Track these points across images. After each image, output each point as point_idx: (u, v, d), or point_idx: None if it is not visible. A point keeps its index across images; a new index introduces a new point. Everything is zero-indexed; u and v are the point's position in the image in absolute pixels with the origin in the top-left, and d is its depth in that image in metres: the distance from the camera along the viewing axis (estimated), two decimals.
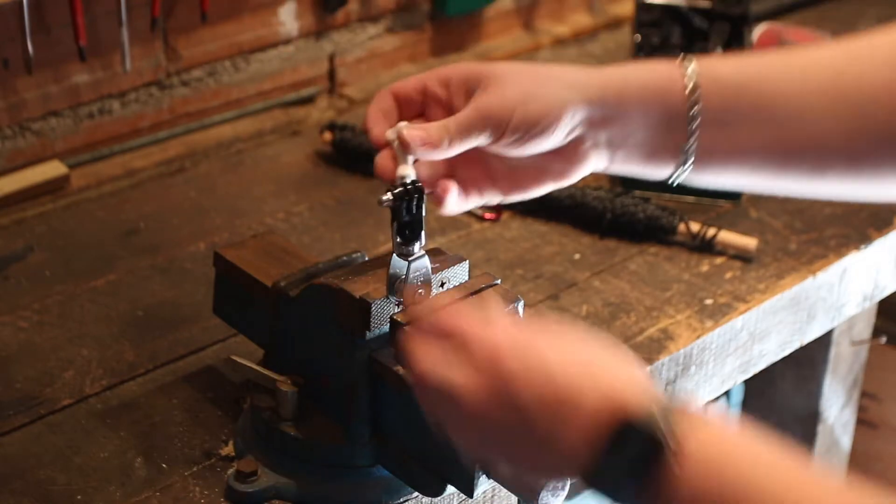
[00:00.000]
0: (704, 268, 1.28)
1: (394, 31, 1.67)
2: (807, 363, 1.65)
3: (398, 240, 0.91)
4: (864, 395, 1.80)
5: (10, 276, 1.24)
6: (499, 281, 0.95)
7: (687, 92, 0.92)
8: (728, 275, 1.27)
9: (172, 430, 1.04)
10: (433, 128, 0.91)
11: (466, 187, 0.96)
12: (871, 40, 0.94)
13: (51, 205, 1.36)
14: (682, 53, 0.95)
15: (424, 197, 0.91)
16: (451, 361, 0.81)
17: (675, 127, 0.93)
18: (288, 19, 1.56)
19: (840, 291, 1.32)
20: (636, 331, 1.18)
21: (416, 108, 0.96)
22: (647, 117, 0.93)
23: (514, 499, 0.93)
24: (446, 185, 0.94)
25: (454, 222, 1.34)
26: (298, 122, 1.56)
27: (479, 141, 0.92)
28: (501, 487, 0.90)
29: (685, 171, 0.95)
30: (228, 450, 1.02)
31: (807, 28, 1.74)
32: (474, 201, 0.96)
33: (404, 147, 0.91)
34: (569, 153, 0.94)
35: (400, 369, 0.91)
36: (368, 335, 0.92)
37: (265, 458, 0.98)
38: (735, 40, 1.62)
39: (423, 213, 0.91)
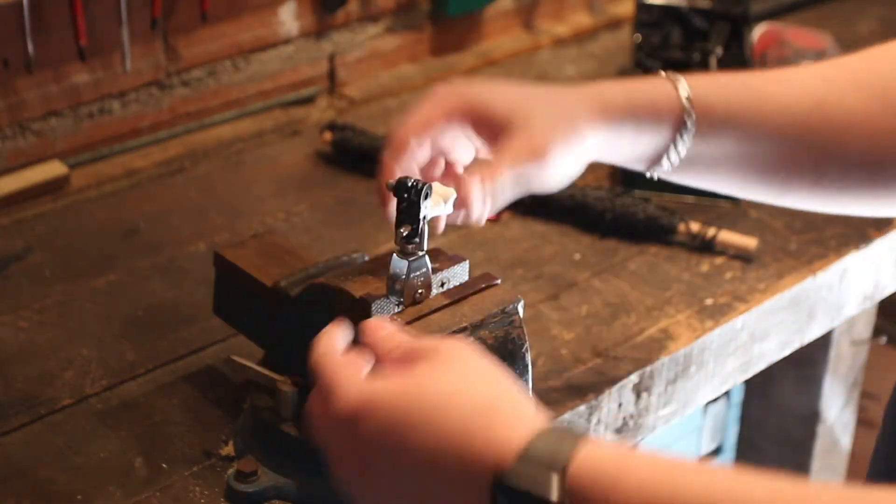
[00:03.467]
0: (704, 268, 1.28)
1: (394, 31, 1.67)
2: (807, 363, 1.65)
3: (402, 236, 0.91)
4: (864, 395, 1.80)
5: (10, 276, 1.24)
6: (499, 281, 0.95)
7: (683, 110, 0.96)
8: (728, 275, 1.27)
9: (172, 430, 1.04)
10: (476, 196, 0.90)
11: None
12: (849, 63, 0.99)
13: (51, 205, 1.36)
14: (670, 70, 1.00)
15: (430, 196, 0.90)
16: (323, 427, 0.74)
17: (665, 137, 0.97)
18: (288, 19, 1.56)
19: (840, 291, 1.32)
20: (636, 331, 1.18)
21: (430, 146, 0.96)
22: (641, 134, 0.96)
23: None
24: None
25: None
26: (298, 122, 1.56)
27: (527, 181, 0.93)
28: None
29: (660, 172, 0.99)
30: (228, 450, 1.02)
31: (807, 28, 1.74)
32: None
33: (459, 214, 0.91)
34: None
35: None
36: None
37: (265, 458, 0.98)
38: (735, 40, 1.62)
39: (427, 213, 0.91)
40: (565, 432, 0.66)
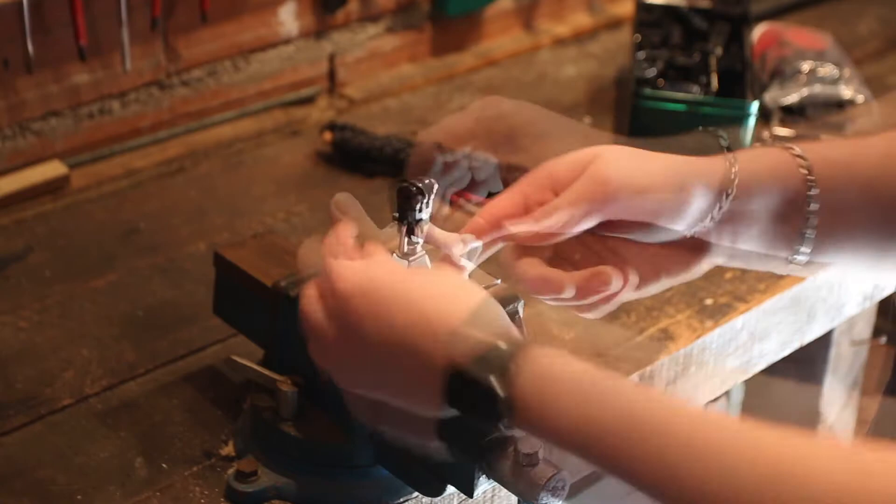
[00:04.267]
0: None
1: (394, 31, 1.67)
2: (807, 363, 1.65)
3: (405, 240, 0.91)
4: (865, 395, 1.80)
5: (10, 276, 1.24)
6: (499, 281, 0.95)
7: (804, 177, 0.90)
8: (728, 275, 1.27)
9: (172, 430, 1.04)
10: (539, 214, 0.88)
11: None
12: None
13: (51, 205, 1.36)
14: (786, 142, 0.94)
15: (432, 197, 0.91)
16: (317, 309, 0.85)
17: (794, 213, 0.91)
18: (288, 19, 1.56)
19: (840, 291, 1.32)
20: (636, 331, 1.18)
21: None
22: (768, 204, 0.91)
23: (514, 499, 0.93)
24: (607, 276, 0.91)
25: (454, 222, 1.34)
26: (298, 122, 1.56)
27: (591, 217, 0.88)
28: (501, 487, 0.89)
29: (802, 256, 0.93)
30: (228, 450, 1.02)
31: (807, 28, 1.74)
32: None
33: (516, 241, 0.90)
34: (689, 248, 0.92)
35: None
36: None
37: (265, 458, 0.98)
38: (735, 40, 1.62)
39: (422, 216, 0.91)
40: (518, 343, 0.77)
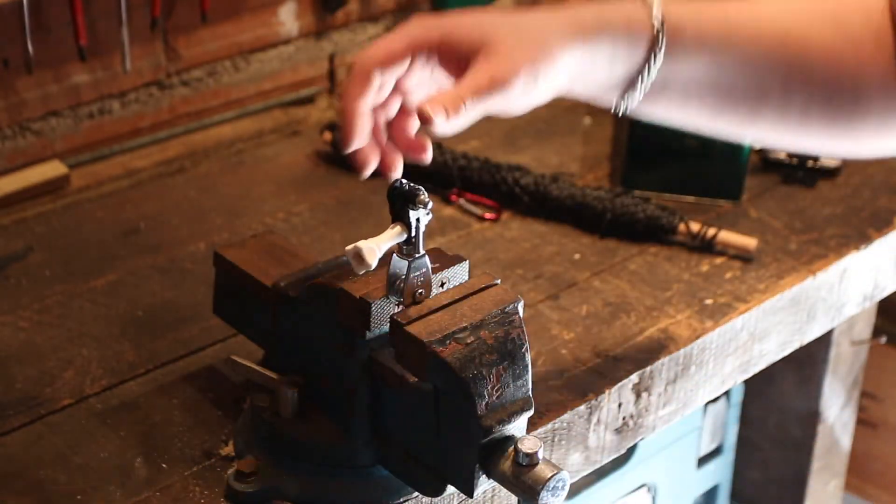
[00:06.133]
0: (704, 268, 1.28)
1: None
2: (807, 363, 1.65)
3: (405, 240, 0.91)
4: (864, 395, 1.80)
5: (10, 276, 1.24)
6: (499, 281, 0.95)
7: (655, 28, 0.96)
8: (728, 275, 1.27)
9: (172, 430, 1.04)
10: (448, 99, 0.89)
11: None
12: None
13: (51, 205, 1.36)
14: None
15: (420, 198, 0.91)
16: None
17: (639, 56, 0.96)
18: (288, 19, 1.56)
19: (840, 291, 1.32)
20: (636, 331, 1.18)
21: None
22: (616, 51, 0.95)
23: (514, 499, 0.93)
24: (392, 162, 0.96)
25: (454, 222, 1.34)
26: (298, 122, 1.56)
27: (492, 106, 0.91)
28: (501, 487, 0.90)
29: (633, 100, 0.98)
30: (228, 450, 1.02)
31: None
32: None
33: (424, 122, 0.89)
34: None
35: (400, 369, 0.91)
36: (368, 335, 0.92)
37: (265, 458, 0.98)
38: None
39: (419, 216, 0.91)
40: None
